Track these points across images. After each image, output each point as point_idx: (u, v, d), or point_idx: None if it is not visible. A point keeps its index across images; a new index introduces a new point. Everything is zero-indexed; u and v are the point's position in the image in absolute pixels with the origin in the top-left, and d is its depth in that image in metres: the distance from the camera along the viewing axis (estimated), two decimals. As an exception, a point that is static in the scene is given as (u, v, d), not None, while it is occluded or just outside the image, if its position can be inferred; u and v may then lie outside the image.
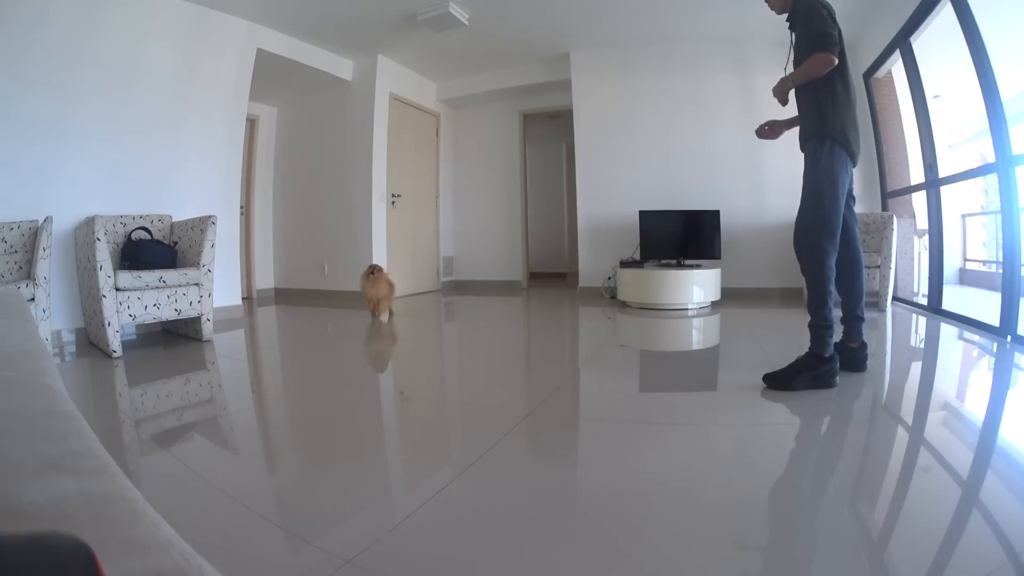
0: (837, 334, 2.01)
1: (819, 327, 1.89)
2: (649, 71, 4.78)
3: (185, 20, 3.59)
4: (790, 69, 1.97)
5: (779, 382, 1.87)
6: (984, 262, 6.42)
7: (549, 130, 6.87)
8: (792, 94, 1.97)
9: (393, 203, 5.09)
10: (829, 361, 1.88)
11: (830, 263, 1.88)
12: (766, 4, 2.04)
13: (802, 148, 1.97)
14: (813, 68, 1.85)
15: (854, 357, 2.02)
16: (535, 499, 1.16)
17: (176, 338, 3.16)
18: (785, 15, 2.00)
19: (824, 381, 1.86)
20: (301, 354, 3.02)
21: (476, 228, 6.11)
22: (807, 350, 1.91)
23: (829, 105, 1.88)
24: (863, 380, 1.97)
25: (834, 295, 1.91)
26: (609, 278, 4.73)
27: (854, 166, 1.94)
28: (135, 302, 2.70)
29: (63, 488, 0.32)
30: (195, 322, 3.00)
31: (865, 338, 2.04)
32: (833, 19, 1.85)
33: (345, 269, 4.82)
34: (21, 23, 2.80)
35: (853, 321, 2.03)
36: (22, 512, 0.29)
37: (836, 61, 1.82)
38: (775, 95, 1.99)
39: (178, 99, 3.57)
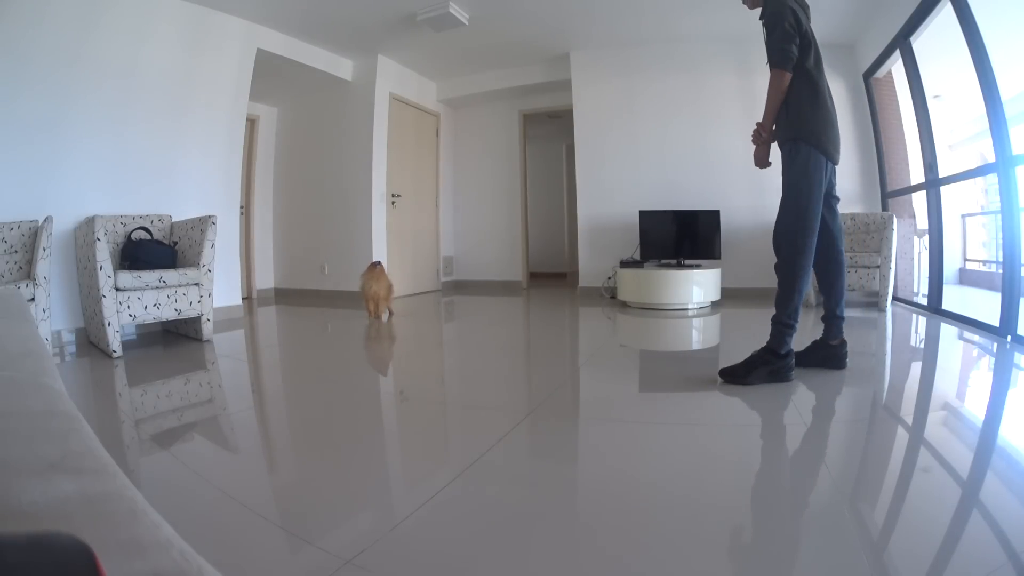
0: (818, 332, 2.07)
1: (783, 323, 1.93)
2: (649, 71, 4.78)
3: (185, 20, 3.59)
4: (767, 73, 1.97)
5: (736, 376, 1.91)
6: (984, 262, 6.42)
7: (549, 130, 6.87)
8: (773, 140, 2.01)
9: (393, 203, 5.09)
10: (785, 357, 1.92)
11: (805, 262, 1.92)
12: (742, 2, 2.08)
13: (780, 149, 2.01)
14: (772, 96, 1.91)
15: (834, 354, 2.06)
16: (535, 499, 1.16)
17: (176, 338, 3.16)
18: (759, 11, 2.00)
19: (780, 376, 1.91)
20: (301, 354, 3.02)
21: (476, 228, 6.11)
22: (764, 345, 1.95)
23: (795, 109, 1.91)
24: (846, 377, 2.00)
25: (804, 295, 1.94)
26: (609, 278, 4.73)
27: (834, 164, 1.97)
28: (135, 302, 2.70)
29: (63, 488, 0.32)
30: (195, 322, 3.00)
31: (845, 336, 2.07)
32: (796, 25, 1.86)
33: (345, 269, 4.82)
34: (20, 22, 2.80)
35: (833, 319, 2.07)
36: (22, 512, 0.29)
37: (789, 76, 1.88)
38: (756, 163, 2.04)
39: (178, 99, 3.57)
